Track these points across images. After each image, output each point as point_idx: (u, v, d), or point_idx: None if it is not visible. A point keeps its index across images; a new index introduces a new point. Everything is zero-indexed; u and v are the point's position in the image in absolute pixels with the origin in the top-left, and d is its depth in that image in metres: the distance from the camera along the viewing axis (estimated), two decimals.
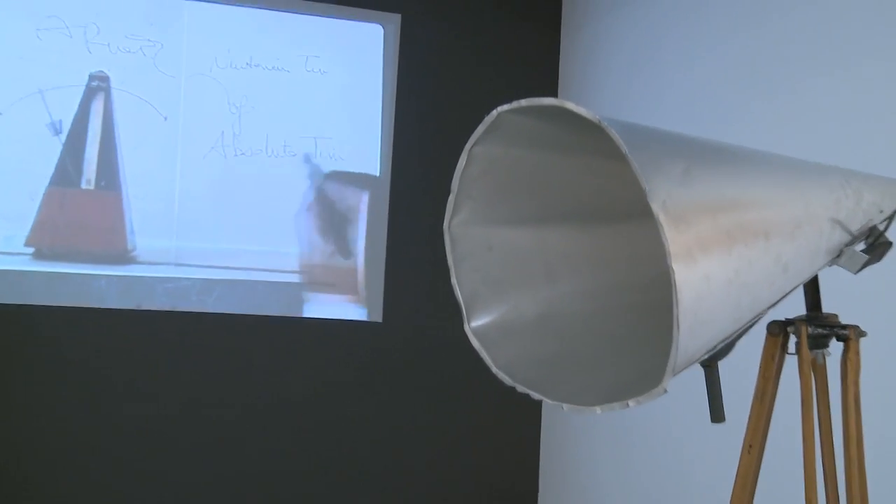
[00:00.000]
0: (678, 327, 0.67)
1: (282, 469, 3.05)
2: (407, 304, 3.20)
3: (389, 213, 3.16)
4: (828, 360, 1.00)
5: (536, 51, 3.38)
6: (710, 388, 0.88)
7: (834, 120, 1.73)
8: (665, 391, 0.69)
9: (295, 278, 3.13)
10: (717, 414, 0.86)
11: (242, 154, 3.08)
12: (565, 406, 0.78)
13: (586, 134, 0.81)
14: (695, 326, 0.69)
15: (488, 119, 0.82)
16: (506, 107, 0.80)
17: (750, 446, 0.98)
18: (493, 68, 3.28)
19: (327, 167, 3.11)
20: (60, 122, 2.89)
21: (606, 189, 0.91)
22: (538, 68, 3.37)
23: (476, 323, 0.89)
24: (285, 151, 3.11)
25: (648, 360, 0.85)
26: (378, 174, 3.18)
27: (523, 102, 0.79)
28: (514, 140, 0.84)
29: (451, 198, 0.88)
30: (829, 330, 0.95)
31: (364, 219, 3.18)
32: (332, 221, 3.15)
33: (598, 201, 0.93)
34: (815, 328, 0.94)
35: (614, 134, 0.69)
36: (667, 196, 0.68)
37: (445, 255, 0.96)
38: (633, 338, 0.90)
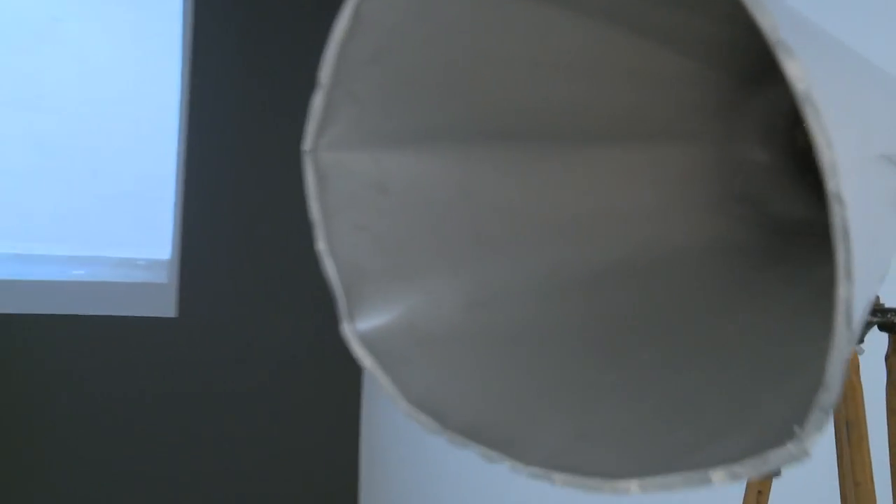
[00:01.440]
0: (848, 319, 0.32)
1: (64, 491, 2.47)
2: (207, 294, 2.70)
3: (185, 180, 2.63)
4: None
5: None
6: None
7: None
8: (806, 454, 0.34)
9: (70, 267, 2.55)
10: None
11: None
12: (557, 478, 0.41)
13: None
14: (857, 315, 0.34)
15: None
16: None
17: (759, 493, 0.66)
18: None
19: (113, 128, 2.53)
20: None
21: (568, 86, 0.54)
22: None
23: (366, 323, 0.50)
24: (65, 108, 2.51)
25: (665, 377, 0.50)
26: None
27: None
28: None
29: (319, 98, 0.48)
30: (883, 317, 0.64)
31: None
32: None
33: (549, 106, 0.56)
34: None
35: None
36: (809, 74, 0.33)
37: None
38: (620, 342, 0.54)
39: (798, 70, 0.30)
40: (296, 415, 2.82)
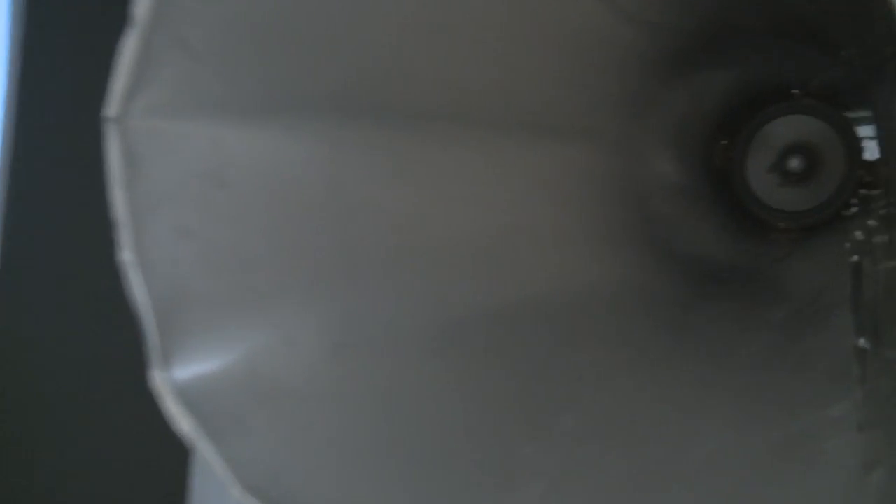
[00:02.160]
0: None
1: None
2: (31, 307, 2.41)
3: (10, 180, 2.34)
4: None
5: None
6: None
7: None
8: None
9: None
10: None
11: None
12: None
13: None
14: None
15: None
16: None
17: None
18: None
19: None
20: None
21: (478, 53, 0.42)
22: None
23: (187, 369, 0.35)
24: None
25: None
26: None
27: None
28: None
29: (133, 42, 0.33)
30: None
31: None
32: None
33: (452, 83, 0.43)
34: None
35: None
36: None
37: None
38: (534, 403, 0.42)
39: None
40: (124, 444, 2.55)
